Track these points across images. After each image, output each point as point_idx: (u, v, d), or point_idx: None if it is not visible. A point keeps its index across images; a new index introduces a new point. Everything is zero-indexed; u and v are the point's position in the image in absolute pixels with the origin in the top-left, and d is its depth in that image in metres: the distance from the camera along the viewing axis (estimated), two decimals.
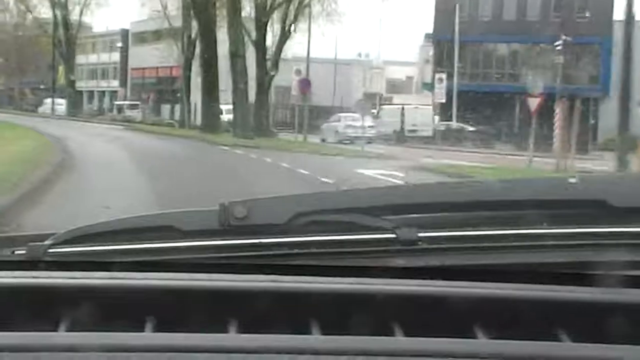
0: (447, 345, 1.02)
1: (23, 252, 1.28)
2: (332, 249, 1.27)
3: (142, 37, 71.58)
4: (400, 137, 37.56)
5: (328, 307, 1.12)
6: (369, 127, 30.30)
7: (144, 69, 70.92)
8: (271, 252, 1.27)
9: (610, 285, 1.16)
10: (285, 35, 38.85)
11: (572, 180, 1.39)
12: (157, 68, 69.41)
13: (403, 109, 39.72)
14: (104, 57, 77.55)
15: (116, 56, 75.90)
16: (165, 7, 49.21)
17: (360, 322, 1.09)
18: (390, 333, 1.09)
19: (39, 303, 1.11)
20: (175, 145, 28.40)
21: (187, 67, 45.07)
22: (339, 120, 37.01)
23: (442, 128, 40.25)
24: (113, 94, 75.14)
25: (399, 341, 1.07)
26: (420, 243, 1.26)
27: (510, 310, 1.13)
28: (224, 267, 1.21)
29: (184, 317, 1.09)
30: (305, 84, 33.93)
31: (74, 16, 61.43)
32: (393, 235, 1.26)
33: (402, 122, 38.68)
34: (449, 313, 1.12)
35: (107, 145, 26.20)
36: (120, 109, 66.26)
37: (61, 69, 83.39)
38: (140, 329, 1.07)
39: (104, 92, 77.80)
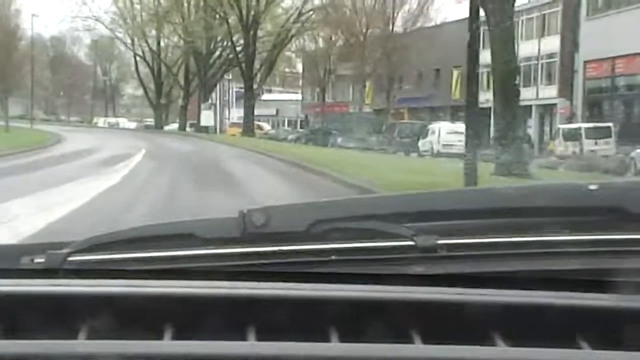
0: (466, 353, 1.03)
1: (42, 260, 1.29)
2: (350, 257, 1.29)
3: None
4: None
5: (347, 315, 1.14)
6: None
7: (613, 59, 36.57)
8: (290, 260, 1.28)
9: (629, 292, 1.17)
10: None
11: (592, 187, 1.37)
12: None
13: None
14: (528, 46, 44.78)
15: (554, 42, 42.72)
16: None
17: (379, 329, 1.11)
18: (409, 340, 1.10)
19: (58, 311, 1.13)
20: None
21: None
22: None
23: None
24: (549, 109, 41.91)
25: (418, 348, 1.08)
26: (439, 250, 1.27)
27: (528, 318, 1.14)
28: (242, 275, 1.23)
29: (203, 325, 1.11)
30: None
31: None
32: (412, 243, 1.27)
33: None
34: (468, 320, 1.13)
35: None
36: (574, 138, 33.38)
37: (455, 73, 51.78)
38: (159, 337, 1.09)
39: (544, 106, 44.72)
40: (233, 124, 61.43)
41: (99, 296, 1.16)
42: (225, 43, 57.85)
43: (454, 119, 46.79)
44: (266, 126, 62.76)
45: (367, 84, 53.13)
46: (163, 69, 65.97)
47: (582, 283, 1.21)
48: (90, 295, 1.16)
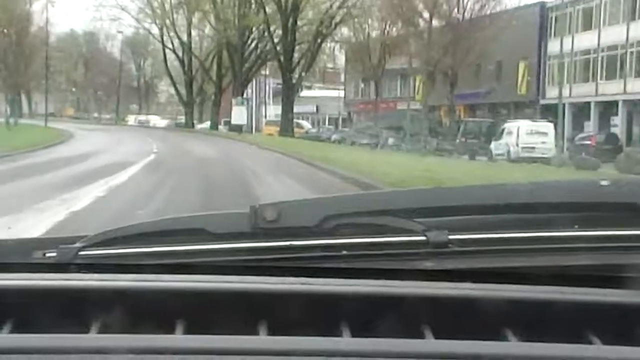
0: (477, 348, 1.03)
1: (54, 254, 1.30)
2: (362, 252, 1.30)
3: None
4: None
5: (358, 310, 1.14)
6: None
7: None
8: (301, 255, 1.29)
9: None
10: None
11: (603, 182, 1.38)
12: None
13: None
14: (613, 31, 38.64)
15: None
16: None
17: (390, 324, 1.12)
18: (420, 335, 1.10)
19: (69, 305, 1.14)
20: None
21: None
22: None
23: None
24: (639, 105, 35.45)
25: (429, 343, 1.08)
26: (450, 246, 1.28)
27: (539, 313, 1.15)
28: (254, 270, 1.24)
29: (215, 320, 1.11)
30: None
31: None
32: (423, 238, 1.28)
33: None
34: (479, 315, 1.14)
35: None
36: None
37: (522, 65, 45.52)
38: (171, 331, 1.09)
39: (632, 102, 38.30)
40: (269, 122, 55.68)
41: (110, 290, 1.15)
42: (261, 33, 52.09)
43: (517, 116, 40.63)
44: (306, 124, 56.92)
45: (419, 78, 47.11)
46: (195, 63, 60.47)
47: (593, 278, 1.21)
48: (102, 290, 1.16)
